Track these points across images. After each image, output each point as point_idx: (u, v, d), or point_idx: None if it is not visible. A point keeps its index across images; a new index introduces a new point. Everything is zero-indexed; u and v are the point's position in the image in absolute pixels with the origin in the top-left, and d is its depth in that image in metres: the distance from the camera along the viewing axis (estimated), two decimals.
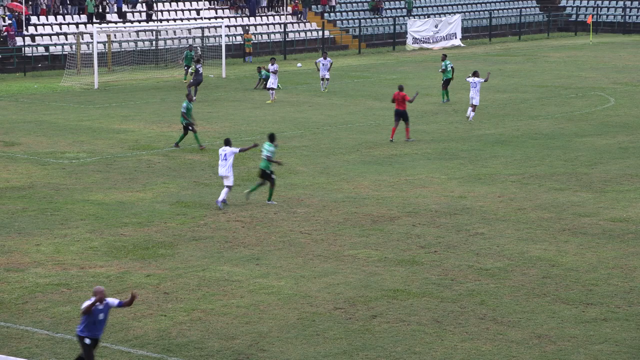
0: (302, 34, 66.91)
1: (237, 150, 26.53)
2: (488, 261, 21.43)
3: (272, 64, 45.26)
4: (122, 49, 57.43)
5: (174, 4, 64.56)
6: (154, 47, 59.43)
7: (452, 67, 44.11)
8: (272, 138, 26.70)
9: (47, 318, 18.05)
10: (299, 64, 58.52)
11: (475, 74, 38.63)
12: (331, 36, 68.02)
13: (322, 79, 47.98)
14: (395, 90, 35.82)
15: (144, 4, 63.11)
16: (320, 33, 66.77)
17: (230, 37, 61.27)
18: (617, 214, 25.26)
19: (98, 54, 50.40)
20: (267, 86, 45.17)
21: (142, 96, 46.82)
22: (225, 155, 26.21)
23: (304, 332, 17.53)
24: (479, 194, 27.36)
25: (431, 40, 69.47)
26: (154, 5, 62.75)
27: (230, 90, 49.00)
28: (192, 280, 20.20)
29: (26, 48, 55.30)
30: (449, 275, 20.50)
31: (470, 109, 38.74)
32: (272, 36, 65.31)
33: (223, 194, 26.19)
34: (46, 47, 56.32)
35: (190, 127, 33.41)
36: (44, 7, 59.27)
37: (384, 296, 19.27)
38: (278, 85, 45.60)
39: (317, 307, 18.70)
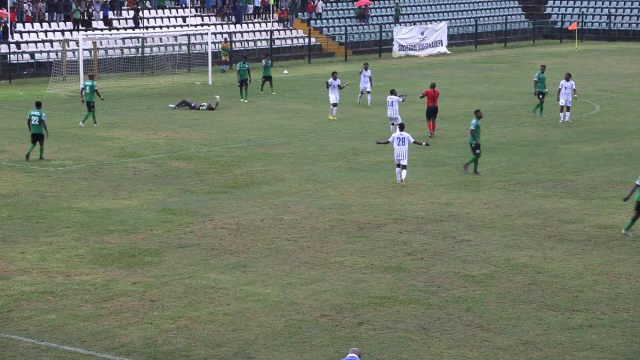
0: (289, 41, 66.94)
1: (411, 140, 29.44)
2: (474, 268, 21.44)
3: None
4: (108, 56, 57.30)
5: (160, 11, 64.53)
6: (140, 55, 59.34)
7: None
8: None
9: (32, 326, 17.96)
10: (285, 71, 58.48)
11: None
12: (317, 43, 68.08)
13: (362, 92, 46.32)
14: (426, 88, 37.96)
15: (130, 12, 63.03)
16: (307, 40, 66.81)
17: (217, 45, 61.18)
18: (603, 220, 25.33)
19: (84, 61, 50.26)
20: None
21: (128, 104, 46.76)
22: (402, 139, 29.14)
23: (290, 340, 17.49)
24: (465, 200, 27.39)
25: (417, 48, 69.59)
26: (140, 12, 62.69)
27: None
28: (179, 288, 20.15)
29: (11, 55, 55.14)
30: (436, 282, 20.51)
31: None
32: (259, 43, 65.29)
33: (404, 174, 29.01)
34: (31, 55, 56.20)
35: None
36: (30, 14, 59.12)
37: (371, 303, 19.26)
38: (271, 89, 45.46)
39: (303, 315, 18.67)
